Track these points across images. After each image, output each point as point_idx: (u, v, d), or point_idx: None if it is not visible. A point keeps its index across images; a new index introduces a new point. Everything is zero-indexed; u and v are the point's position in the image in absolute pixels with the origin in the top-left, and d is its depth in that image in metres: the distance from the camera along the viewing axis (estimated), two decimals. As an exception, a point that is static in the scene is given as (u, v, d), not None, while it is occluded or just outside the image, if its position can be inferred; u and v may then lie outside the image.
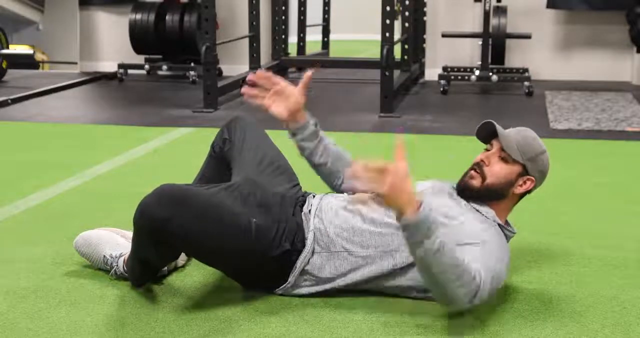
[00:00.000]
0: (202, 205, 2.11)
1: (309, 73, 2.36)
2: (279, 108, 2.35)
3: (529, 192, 2.30)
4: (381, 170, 1.85)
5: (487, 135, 2.30)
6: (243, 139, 2.53)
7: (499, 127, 2.27)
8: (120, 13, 7.26)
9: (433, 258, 1.91)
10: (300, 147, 2.44)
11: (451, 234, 2.09)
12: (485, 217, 2.22)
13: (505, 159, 2.25)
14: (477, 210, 2.24)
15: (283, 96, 2.35)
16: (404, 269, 2.16)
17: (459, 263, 1.94)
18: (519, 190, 2.27)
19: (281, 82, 2.36)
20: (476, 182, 2.26)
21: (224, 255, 2.16)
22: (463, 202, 2.26)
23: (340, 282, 2.21)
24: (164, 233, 2.06)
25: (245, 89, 2.36)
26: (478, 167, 2.27)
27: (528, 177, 2.26)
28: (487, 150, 2.30)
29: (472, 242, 2.10)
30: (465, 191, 2.27)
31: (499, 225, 2.24)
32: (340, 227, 2.21)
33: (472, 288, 1.96)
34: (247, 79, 2.36)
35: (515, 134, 2.27)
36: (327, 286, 2.21)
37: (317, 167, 2.47)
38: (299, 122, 2.39)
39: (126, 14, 6.98)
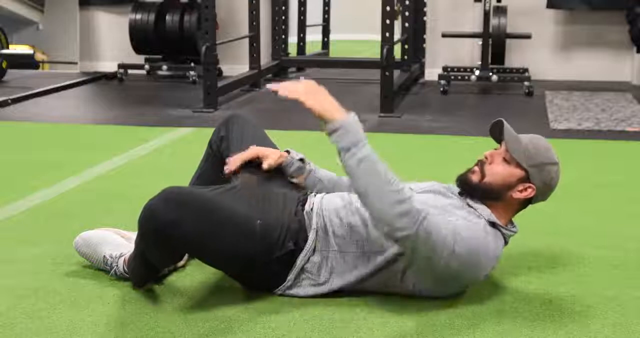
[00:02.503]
0: (206, 208, 2.11)
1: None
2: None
3: (530, 201, 2.26)
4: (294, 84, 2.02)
5: (499, 135, 2.27)
6: (241, 137, 2.53)
7: (506, 127, 2.23)
8: (120, 13, 7.26)
9: (360, 165, 1.98)
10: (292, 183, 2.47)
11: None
12: (480, 214, 2.21)
13: (509, 161, 2.22)
14: (472, 207, 2.23)
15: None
16: (398, 268, 2.16)
17: (389, 175, 1.99)
18: (517, 195, 2.22)
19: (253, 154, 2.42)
20: (475, 177, 2.24)
21: (229, 256, 2.16)
22: (460, 201, 2.25)
23: (336, 284, 2.20)
24: (169, 235, 2.06)
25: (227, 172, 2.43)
26: (480, 163, 2.26)
27: (529, 184, 2.21)
28: (496, 149, 2.28)
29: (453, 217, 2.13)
30: (463, 185, 2.27)
31: (493, 223, 2.21)
32: (339, 225, 2.21)
33: (408, 209, 1.99)
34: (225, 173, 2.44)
35: (527, 139, 2.23)
36: (324, 289, 2.21)
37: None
38: (284, 161, 2.44)
39: (126, 14, 6.98)
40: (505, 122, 2.24)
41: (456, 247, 2.06)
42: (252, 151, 2.42)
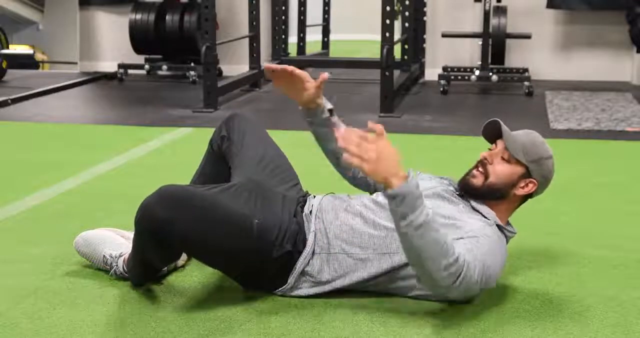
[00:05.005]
0: (203, 206, 2.11)
1: (325, 75, 2.33)
2: (294, 94, 2.34)
3: (530, 195, 2.29)
4: (367, 137, 1.89)
5: (493, 134, 2.29)
6: (242, 137, 2.53)
7: (504, 127, 2.26)
8: (120, 13, 7.26)
9: (415, 232, 1.91)
10: (313, 132, 2.42)
11: (448, 231, 2.12)
12: (485, 217, 2.22)
13: (508, 159, 2.24)
14: (477, 210, 2.24)
15: (298, 88, 2.32)
16: (402, 271, 2.16)
17: (442, 241, 1.94)
18: (520, 191, 2.26)
19: (297, 73, 2.31)
20: (477, 181, 2.26)
21: (226, 256, 2.16)
22: (462, 203, 2.26)
23: (338, 284, 2.21)
24: (166, 234, 2.06)
25: (268, 65, 2.32)
26: (482, 165, 2.27)
27: (530, 179, 2.24)
28: (490, 149, 2.29)
29: (466, 236, 2.12)
30: (466, 189, 2.28)
31: (498, 226, 2.23)
32: (340, 228, 2.20)
33: (455, 269, 1.97)
34: (266, 66, 2.33)
35: (522, 136, 2.26)
36: (326, 288, 2.21)
37: (329, 155, 2.45)
38: (312, 107, 2.36)
39: (126, 14, 6.98)
40: (501, 122, 2.26)
41: (483, 278, 2.08)
42: (300, 73, 2.31)
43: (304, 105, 2.37)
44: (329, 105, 2.41)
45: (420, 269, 2.00)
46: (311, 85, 2.33)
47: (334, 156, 2.45)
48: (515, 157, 2.23)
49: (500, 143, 2.27)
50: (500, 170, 2.25)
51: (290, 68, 2.32)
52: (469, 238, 2.11)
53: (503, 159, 2.25)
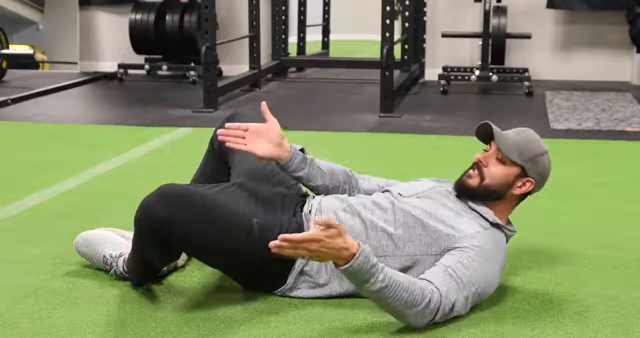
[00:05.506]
0: (203, 205, 2.11)
1: (263, 103, 2.34)
2: (264, 148, 2.30)
3: (529, 193, 2.29)
4: (308, 240, 1.88)
5: (486, 136, 2.29)
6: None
7: (495, 129, 2.25)
8: (120, 13, 7.26)
9: (376, 295, 1.98)
10: (295, 178, 2.39)
11: (443, 239, 2.15)
12: (484, 217, 2.22)
13: (503, 160, 2.23)
14: (475, 211, 2.24)
15: (261, 135, 2.31)
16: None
17: (405, 296, 1.97)
18: (517, 191, 2.25)
19: (250, 125, 2.32)
20: (473, 182, 2.25)
21: (225, 255, 2.16)
22: (460, 204, 2.26)
23: (335, 288, 2.21)
24: (165, 233, 2.06)
25: (222, 135, 2.31)
26: (477, 167, 2.26)
27: (527, 178, 2.24)
28: (485, 150, 2.29)
29: (462, 246, 2.13)
30: (462, 190, 2.27)
31: (497, 225, 2.23)
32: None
33: (430, 310, 2.01)
34: (218, 135, 2.33)
35: (515, 135, 2.26)
36: (325, 291, 2.21)
37: (318, 189, 2.41)
38: (287, 153, 2.33)
39: (126, 14, 6.98)
40: (492, 124, 2.26)
41: (476, 296, 2.10)
42: (248, 124, 2.31)
43: (279, 151, 2.31)
44: (299, 147, 2.39)
45: (393, 316, 2.04)
46: (265, 124, 2.31)
47: (323, 189, 2.40)
48: (510, 158, 2.23)
49: (494, 144, 2.26)
50: (495, 172, 2.24)
51: (245, 125, 2.31)
52: (461, 249, 2.12)
53: (498, 159, 2.24)
